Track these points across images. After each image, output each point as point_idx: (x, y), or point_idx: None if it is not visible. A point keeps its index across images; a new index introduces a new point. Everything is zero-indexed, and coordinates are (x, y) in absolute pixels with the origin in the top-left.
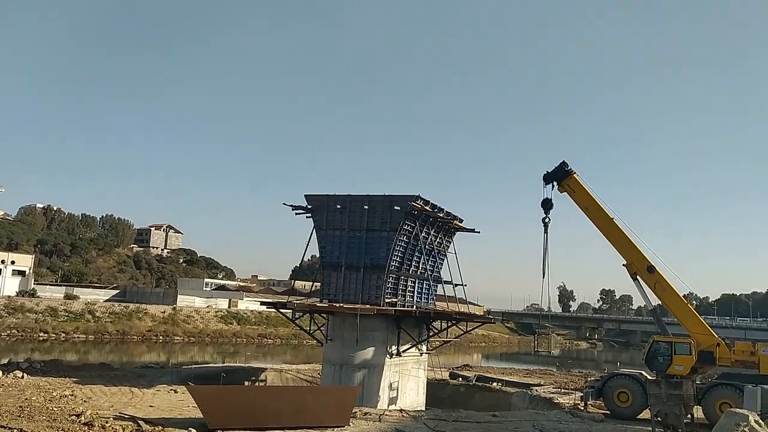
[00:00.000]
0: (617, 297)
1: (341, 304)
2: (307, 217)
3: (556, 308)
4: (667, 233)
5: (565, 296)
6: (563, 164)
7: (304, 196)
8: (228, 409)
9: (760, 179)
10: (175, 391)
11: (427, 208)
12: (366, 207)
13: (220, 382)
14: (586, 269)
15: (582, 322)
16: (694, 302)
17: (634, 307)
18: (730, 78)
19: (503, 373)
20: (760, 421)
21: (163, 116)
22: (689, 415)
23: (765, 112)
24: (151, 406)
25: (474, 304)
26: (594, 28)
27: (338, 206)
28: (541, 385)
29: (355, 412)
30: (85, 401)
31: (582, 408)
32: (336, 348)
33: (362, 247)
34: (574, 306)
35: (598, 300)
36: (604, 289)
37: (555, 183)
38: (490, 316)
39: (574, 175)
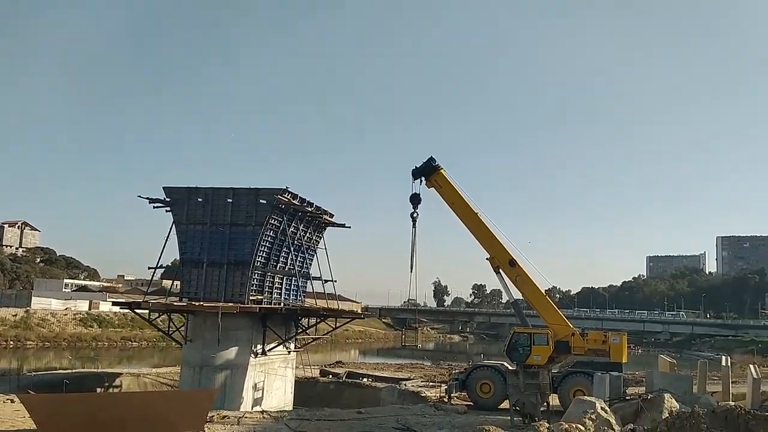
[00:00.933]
0: (488, 291)
1: (201, 303)
2: (166, 210)
3: (432, 303)
4: (530, 231)
5: (439, 291)
6: (431, 160)
7: (163, 188)
8: (65, 419)
9: (614, 188)
10: (12, 401)
11: (295, 201)
12: (230, 200)
13: (63, 390)
14: (460, 265)
15: (455, 316)
16: (557, 296)
17: (504, 300)
18: (583, 87)
19: (375, 369)
20: (606, 408)
21: (18, 105)
22: (545, 403)
23: (606, 121)
24: None
25: (352, 301)
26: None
27: (199, 199)
28: (411, 379)
29: (212, 416)
30: None
31: (446, 400)
32: (196, 349)
33: (225, 243)
34: (448, 301)
35: (471, 294)
36: (476, 284)
37: (423, 178)
38: (359, 312)
39: (442, 171)
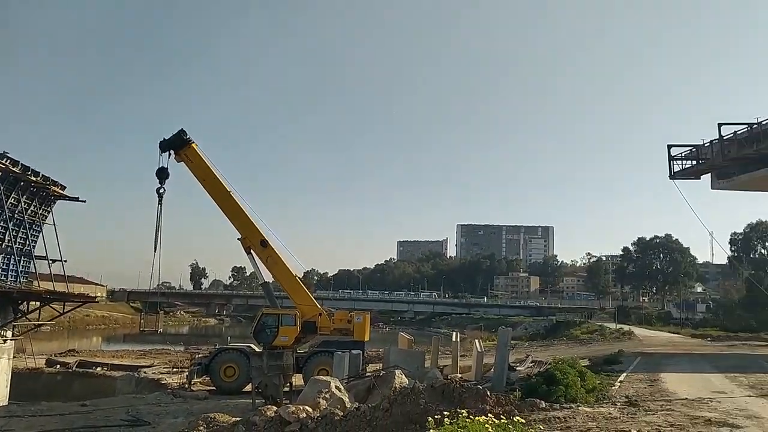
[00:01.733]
0: (248, 274)
1: None
2: None
3: (188, 286)
4: (290, 216)
5: (197, 273)
6: (181, 132)
7: None
8: None
9: (370, 175)
10: None
11: (15, 169)
12: None
13: None
14: (220, 246)
15: (212, 299)
16: (315, 278)
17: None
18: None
19: (114, 357)
20: (341, 386)
21: None
22: (288, 384)
23: (359, 110)
24: None
25: (94, 284)
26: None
27: None
28: (153, 366)
29: None
30: None
31: (187, 387)
32: None
33: None
34: (206, 283)
35: (230, 277)
36: (235, 266)
37: (172, 152)
38: (93, 295)
39: (193, 145)
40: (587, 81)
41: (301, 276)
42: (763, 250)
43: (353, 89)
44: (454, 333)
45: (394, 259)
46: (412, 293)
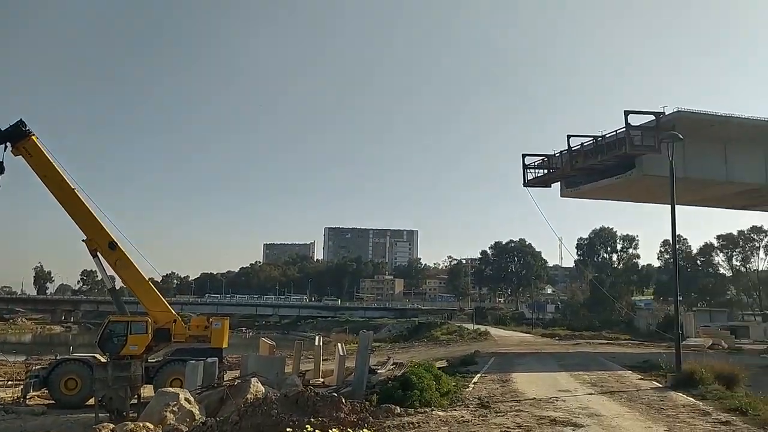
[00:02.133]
0: (99, 278)
1: None
2: None
3: (32, 291)
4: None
5: (41, 277)
6: (21, 123)
7: None
8: None
9: (237, 176)
10: None
11: None
12: None
13: None
14: (67, 248)
15: (58, 305)
16: (174, 282)
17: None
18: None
19: None
20: (191, 398)
21: None
22: (136, 396)
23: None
24: None
25: None
26: None
27: None
28: None
29: None
30: None
31: (22, 401)
32: None
33: None
34: (52, 288)
35: (79, 281)
36: (85, 270)
37: (9, 144)
38: None
39: (33, 137)
40: (452, 86)
41: (159, 280)
42: (605, 255)
43: (218, 92)
44: (317, 337)
45: (260, 262)
46: (282, 297)
